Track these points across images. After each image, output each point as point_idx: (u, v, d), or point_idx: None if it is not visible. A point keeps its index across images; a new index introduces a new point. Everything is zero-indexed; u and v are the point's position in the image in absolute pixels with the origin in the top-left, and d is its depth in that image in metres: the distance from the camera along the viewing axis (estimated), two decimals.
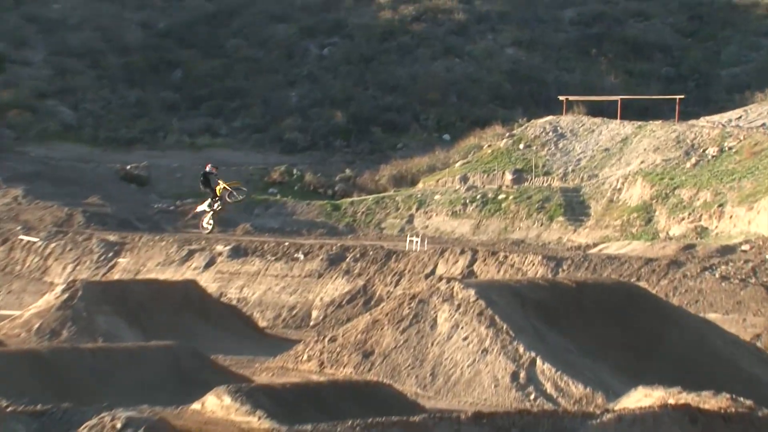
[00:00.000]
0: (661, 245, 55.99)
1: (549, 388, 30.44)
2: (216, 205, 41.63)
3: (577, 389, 30.02)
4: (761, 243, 52.85)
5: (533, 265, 50.08)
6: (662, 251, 53.88)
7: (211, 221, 45.21)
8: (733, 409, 19.72)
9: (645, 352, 32.44)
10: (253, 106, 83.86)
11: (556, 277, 46.19)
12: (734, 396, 21.30)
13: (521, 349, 31.71)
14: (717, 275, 45.87)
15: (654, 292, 42.34)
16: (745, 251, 52.76)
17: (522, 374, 31.08)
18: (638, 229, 60.69)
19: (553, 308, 34.06)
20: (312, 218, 66.95)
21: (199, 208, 45.17)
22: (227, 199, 42.71)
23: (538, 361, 31.20)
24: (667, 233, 59.30)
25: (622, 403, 23.88)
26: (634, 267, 48.38)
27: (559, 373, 30.73)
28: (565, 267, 49.47)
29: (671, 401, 20.63)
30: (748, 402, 20.67)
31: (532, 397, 30.19)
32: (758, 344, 38.25)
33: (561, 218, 63.78)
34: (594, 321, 33.87)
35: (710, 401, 21.12)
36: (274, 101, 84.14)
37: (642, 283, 43.68)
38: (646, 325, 34.00)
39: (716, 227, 57.93)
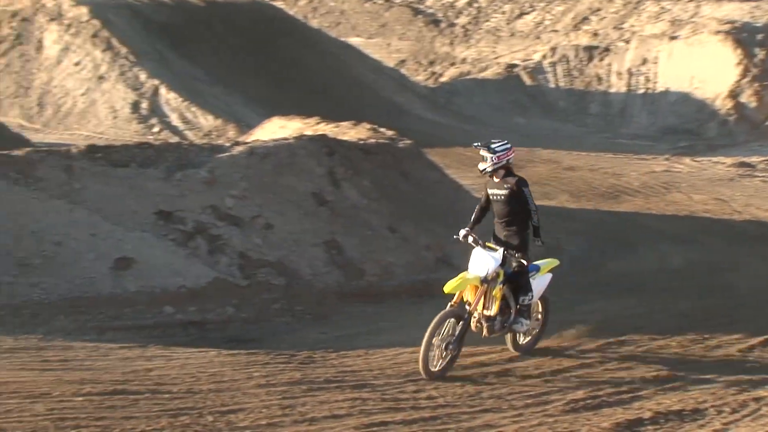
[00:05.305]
0: None
1: (175, 119, 30.47)
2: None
3: (206, 120, 30.22)
4: None
5: None
6: None
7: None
8: (373, 140, 20.49)
9: (281, 80, 32.91)
10: None
11: None
12: (375, 126, 22.15)
13: (143, 77, 31.38)
14: None
15: (292, 13, 42.71)
16: None
17: (144, 104, 30.88)
18: None
19: (180, 31, 33.71)
20: None
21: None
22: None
23: (163, 90, 31.05)
24: None
25: (256, 135, 24.35)
26: None
27: (186, 103, 30.77)
28: None
29: (308, 132, 21.19)
30: (390, 132, 21.57)
31: (155, 129, 30.13)
32: (402, 70, 39.68)
33: None
34: (226, 45, 33.88)
35: (350, 132, 21.87)
36: None
37: (279, 3, 43.91)
38: (283, 51, 34.38)
39: None
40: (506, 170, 13.24)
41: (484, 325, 13.03)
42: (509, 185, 13.22)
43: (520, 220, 13.22)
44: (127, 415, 11.02)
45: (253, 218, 17.07)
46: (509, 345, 13.56)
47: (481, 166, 13.27)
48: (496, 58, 40.51)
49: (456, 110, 36.01)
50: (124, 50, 31.88)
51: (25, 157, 16.86)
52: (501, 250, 13.19)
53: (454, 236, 13.44)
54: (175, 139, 28.07)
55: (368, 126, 22.13)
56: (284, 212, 17.33)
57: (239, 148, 18.44)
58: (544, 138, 32.40)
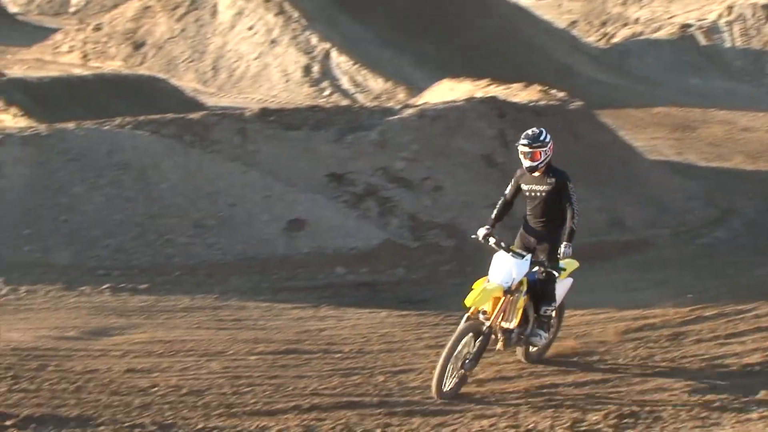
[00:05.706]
0: None
1: (345, 82, 30.66)
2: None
3: (376, 83, 30.34)
4: None
5: None
6: None
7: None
8: (544, 102, 20.34)
9: (451, 42, 32.82)
10: None
11: None
12: (546, 88, 21.98)
13: (314, 40, 31.63)
14: None
15: None
16: None
17: (315, 68, 31.14)
18: None
19: None
20: None
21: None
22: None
23: (334, 53, 31.25)
24: None
25: (425, 97, 24.40)
26: None
27: (356, 66, 30.92)
28: None
29: (479, 94, 21.13)
30: (561, 93, 21.37)
31: (326, 92, 30.39)
32: (574, 31, 39.18)
33: None
34: (397, 7, 33.91)
35: (520, 93, 21.74)
36: None
37: None
38: (454, 12, 34.29)
39: None
40: (547, 163, 11.59)
41: (500, 338, 11.49)
42: (552, 180, 11.55)
43: (558, 218, 11.58)
44: (300, 374, 11.22)
45: (423, 180, 17.13)
46: (520, 355, 12.05)
47: (529, 163, 11.46)
48: (669, 18, 39.66)
49: (628, 71, 35.42)
50: (295, 14, 32.18)
51: (200, 120, 17.23)
52: (528, 256, 11.46)
53: (472, 236, 11.72)
54: (345, 102, 28.29)
55: (539, 87, 21.97)
56: (454, 174, 17.35)
57: (409, 111, 18.51)
58: (719, 99, 31.67)
